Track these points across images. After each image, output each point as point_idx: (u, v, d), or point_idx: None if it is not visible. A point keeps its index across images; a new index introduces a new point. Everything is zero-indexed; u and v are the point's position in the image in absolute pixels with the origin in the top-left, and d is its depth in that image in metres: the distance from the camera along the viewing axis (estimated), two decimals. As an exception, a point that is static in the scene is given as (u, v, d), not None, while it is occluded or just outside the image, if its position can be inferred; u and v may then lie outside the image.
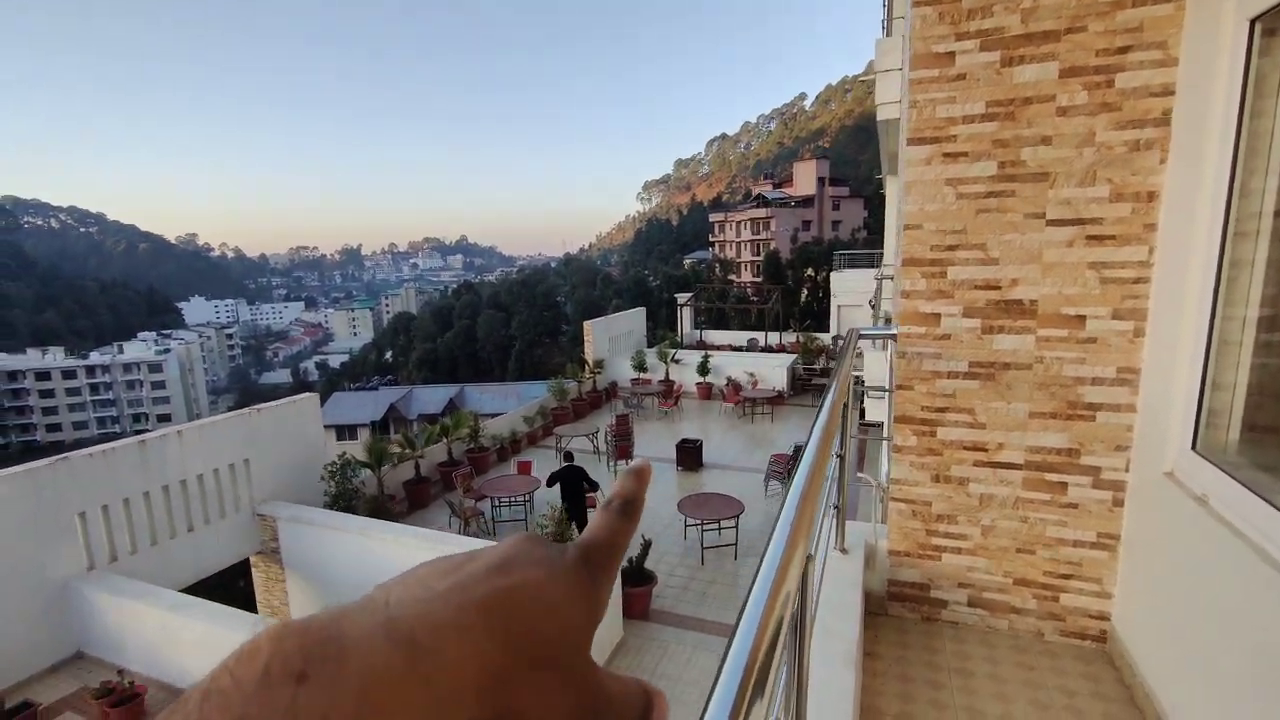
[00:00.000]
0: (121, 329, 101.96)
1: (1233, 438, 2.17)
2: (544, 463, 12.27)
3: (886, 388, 6.73)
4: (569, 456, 10.05)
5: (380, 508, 10.68)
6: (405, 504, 11.69)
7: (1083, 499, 2.82)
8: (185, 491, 9.03)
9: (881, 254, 21.14)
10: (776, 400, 17.30)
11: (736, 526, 9.76)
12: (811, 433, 1.41)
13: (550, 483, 9.76)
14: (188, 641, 6.97)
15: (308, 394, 11.64)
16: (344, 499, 10.58)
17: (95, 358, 77.41)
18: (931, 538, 3.10)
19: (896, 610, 3.22)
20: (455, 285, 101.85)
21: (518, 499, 11.15)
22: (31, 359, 75.11)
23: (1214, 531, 2.04)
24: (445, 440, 13.05)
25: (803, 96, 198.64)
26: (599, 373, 18.67)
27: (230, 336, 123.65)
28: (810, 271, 53.13)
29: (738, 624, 0.55)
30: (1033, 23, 2.48)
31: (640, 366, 19.04)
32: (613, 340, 20.17)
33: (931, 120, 2.72)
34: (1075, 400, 2.75)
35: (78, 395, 74.29)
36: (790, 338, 23.36)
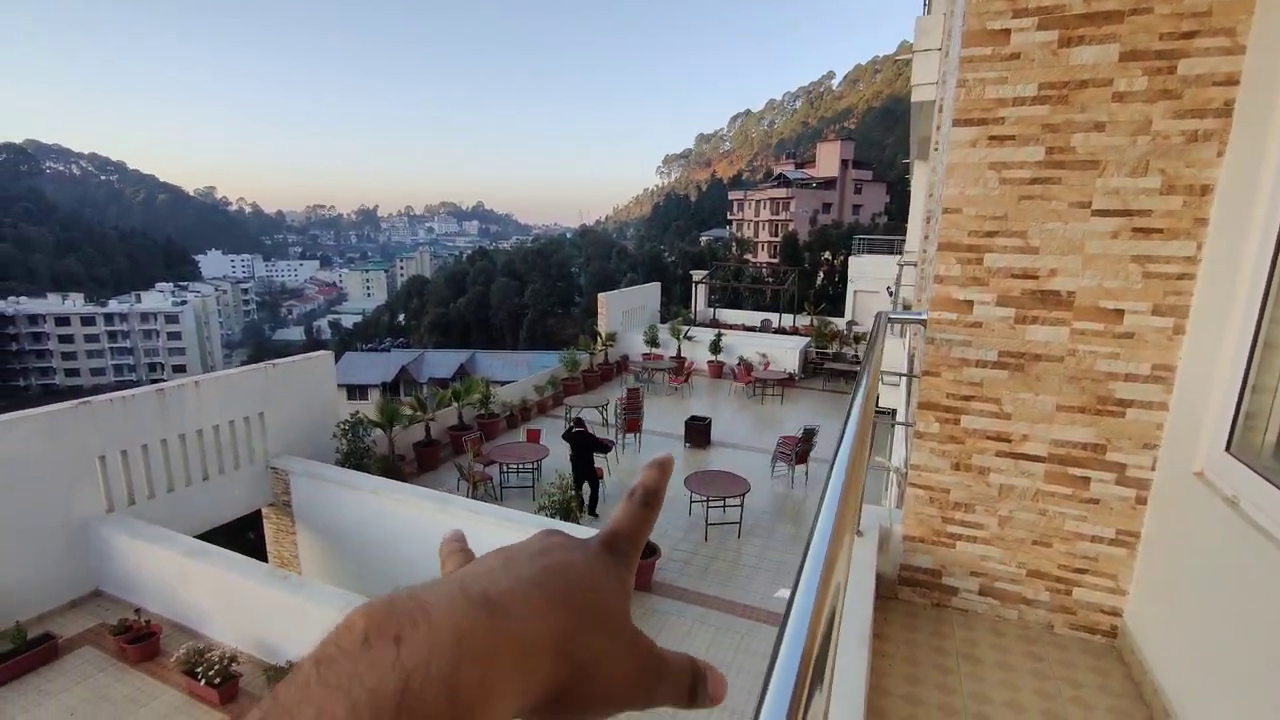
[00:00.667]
0: (140, 278, 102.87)
1: (1269, 440, 2.13)
2: (553, 432, 12.34)
3: (903, 373, 6.67)
4: (579, 422, 10.22)
5: (391, 467, 10.82)
6: (415, 465, 11.83)
7: (1105, 495, 2.79)
8: (201, 441, 9.19)
9: (903, 240, 20.85)
10: (787, 382, 17.25)
11: (741, 505, 9.82)
12: (848, 420, 1.35)
13: (565, 436, 10.20)
14: (202, 585, 7.16)
15: (322, 352, 11.73)
16: (355, 457, 10.72)
17: (114, 305, 78.28)
18: (947, 525, 3.09)
19: (907, 595, 3.23)
20: (470, 251, 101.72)
21: (525, 466, 11.25)
22: (52, 303, 76.05)
23: (1243, 534, 2.02)
24: (456, 405, 13.14)
25: (830, 75, 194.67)
26: (611, 346, 18.67)
27: (246, 291, 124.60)
28: (828, 255, 52.60)
29: (788, 616, 0.54)
30: (1095, 1, 2.38)
31: (652, 342, 19.01)
32: (626, 314, 20.14)
33: (980, 101, 2.64)
34: (1106, 395, 2.71)
35: (96, 342, 75.34)
36: (804, 320, 23.21)
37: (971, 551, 3.07)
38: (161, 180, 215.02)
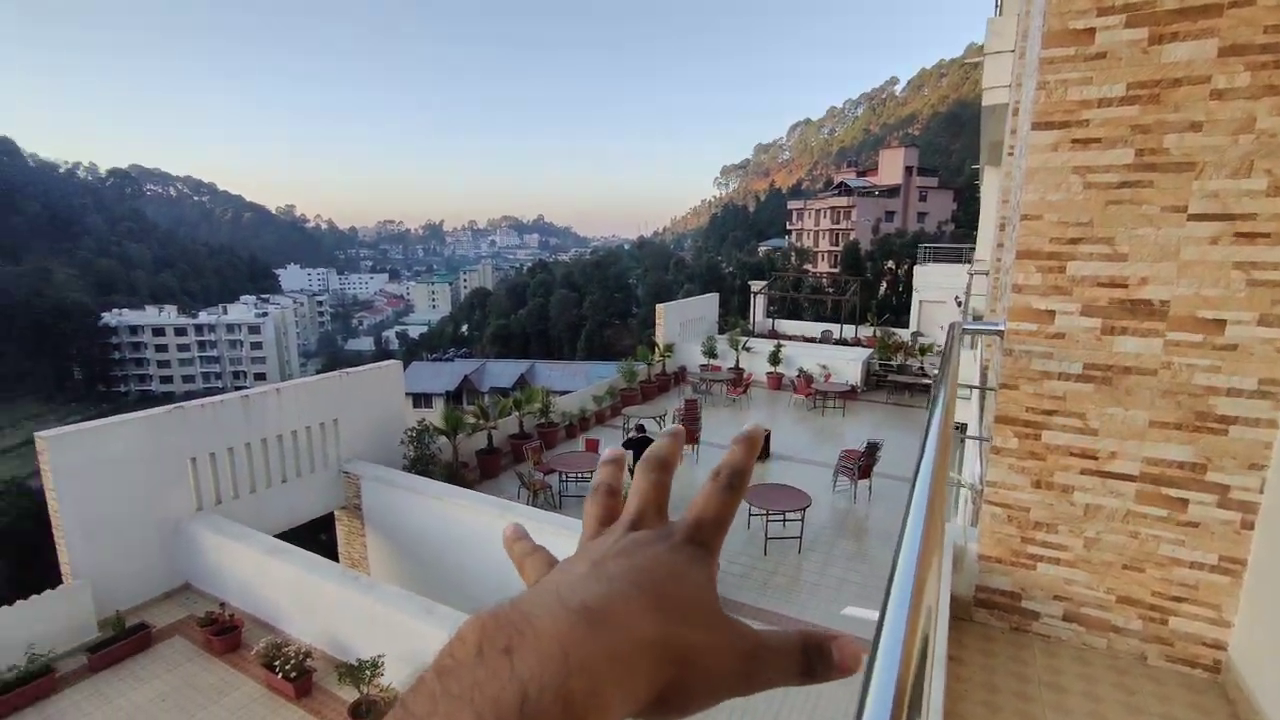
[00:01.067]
0: (226, 291, 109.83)
1: (1400, 463, 1.95)
2: (611, 442, 12.44)
3: (975, 385, 6.39)
4: (640, 429, 10.30)
5: (455, 474, 11.13)
6: (477, 472, 12.11)
7: (1205, 518, 2.61)
8: (281, 445, 9.70)
9: (972, 249, 20.07)
10: (849, 395, 16.82)
11: (802, 520, 9.61)
12: (927, 435, 1.26)
13: (625, 444, 10.34)
14: (281, 582, 7.53)
15: (392, 361, 12.21)
16: (421, 463, 11.09)
17: (203, 317, 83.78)
18: (1027, 545, 2.95)
19: (983, 617, 3.09)
20: (531, 263, 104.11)
21: (585, 475, 11.35)
22: (149, 315, 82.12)
23: (1370, 564, 1.84)
24: (517, 413, 13.42)
25: (894, 81, 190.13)
26: (669, 356, 18.68)
27: (320, 304, 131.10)
28: (891, 264, 51.21)
29: (878, 641, 0.51)
30: (1190, -4, 2.26)
31: (710, 353, 18.91)
32: (684, 325, 20.13)
33: (1062, 103, 2.54)
34: (1205, 411, 2.53)
35: (187, 351, 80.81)
36: (866, 332, 22.61)
37: (1054, 574, 2.92)
38: (248, 200, 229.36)
